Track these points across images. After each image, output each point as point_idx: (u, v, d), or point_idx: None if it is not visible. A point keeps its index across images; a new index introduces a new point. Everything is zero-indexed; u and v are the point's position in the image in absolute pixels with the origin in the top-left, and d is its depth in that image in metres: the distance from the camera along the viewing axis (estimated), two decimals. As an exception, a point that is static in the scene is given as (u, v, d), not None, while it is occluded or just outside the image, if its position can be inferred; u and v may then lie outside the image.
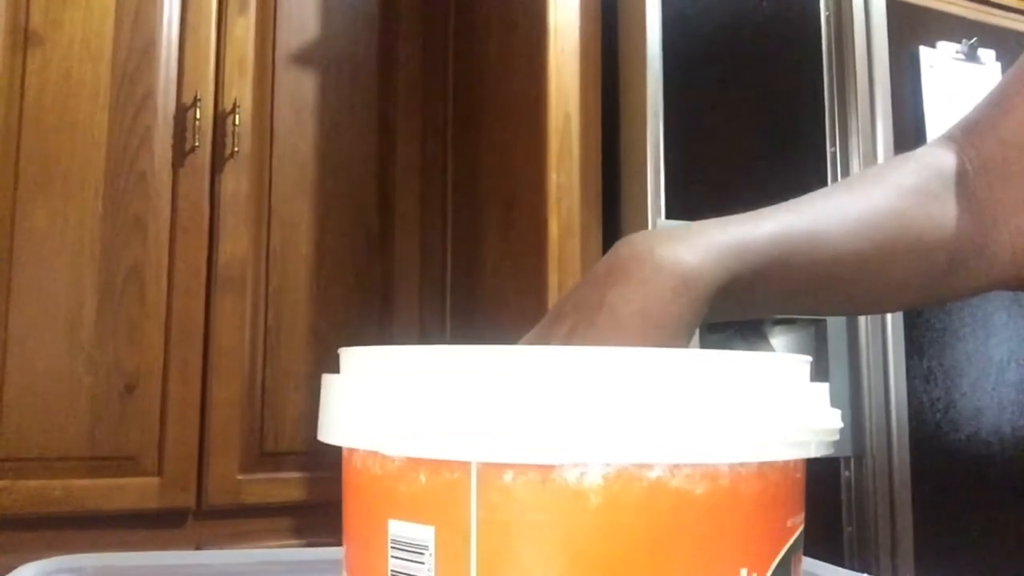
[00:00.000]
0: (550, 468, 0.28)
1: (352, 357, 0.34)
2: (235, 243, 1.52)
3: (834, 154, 1.57)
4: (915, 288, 0.55)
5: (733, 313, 0.51)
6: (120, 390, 1.43)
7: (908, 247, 0.53)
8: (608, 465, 0.28)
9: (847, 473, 1.49)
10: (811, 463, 0.34)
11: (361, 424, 0.31)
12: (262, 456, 1.52)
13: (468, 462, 0.28)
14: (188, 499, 1.45)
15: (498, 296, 1.56)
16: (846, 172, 1.57)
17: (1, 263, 1.39)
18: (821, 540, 1.47)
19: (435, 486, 0.29)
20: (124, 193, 1.47)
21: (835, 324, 1.50)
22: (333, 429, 0.32)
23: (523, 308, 1.48)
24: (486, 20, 1.64)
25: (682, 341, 0.44)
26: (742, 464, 0.29)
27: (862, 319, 1.52)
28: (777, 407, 0.30)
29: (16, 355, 1.38)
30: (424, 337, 1.66)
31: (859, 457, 1.49)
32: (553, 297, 1.40)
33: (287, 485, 1.50)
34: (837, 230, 0.51)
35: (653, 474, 0.28)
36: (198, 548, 1.45)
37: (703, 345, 1.39)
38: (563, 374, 0.28)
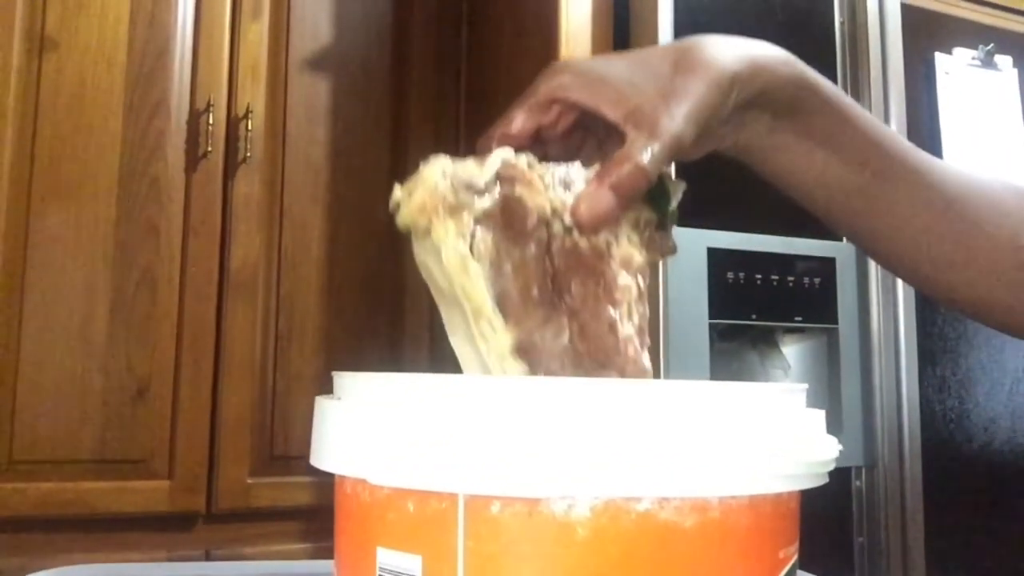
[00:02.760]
0: (537, 500, 0.28)
1: (345, 382, 0.34)
2: (247, 248, 1.53)
3: (847, 161, 1.56)
4: (922, 226, 0.53)
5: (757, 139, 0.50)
6: (132, 394, 1.44)
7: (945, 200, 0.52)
8: (596, 498, 0.28)
9: (858, 483, 1.48)
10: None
11: (350, 452, 0.30)
12: (272, 460, 1.52)
13: (455, 493, 0.28)
14: (198, 502, 1.46)
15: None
16: (859, 180, 1.55)
17: (15, 267, 1.40)
18: (832, 550, 1.46)
19: (423, 516, 0.29)
20: (137, 198, 1.47)
21: (848, 332, 1.49)
22: (323, 455, 0.32)
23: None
24: (498, 26, 1.64)
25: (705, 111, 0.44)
26: (732, 497, 0.29)
27: (875, 326, 1.51)
28: (768, 439, 0.29)
29: (29, 358, 1.39)
30: (434, 342, 1.66)
31: (870, 467, 1.48)
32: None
33: (297, 489, 1.50)
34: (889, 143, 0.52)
35: (641, 507, 0.28)
36: (208, 551, 1.45)
37: (714, 352, 1.39)
38: (551, 406, 0.28)
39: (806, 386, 0.35)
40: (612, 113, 0.43)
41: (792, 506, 0.32)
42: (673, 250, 0.46)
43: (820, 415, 0.34)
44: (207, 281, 1.50)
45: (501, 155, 0.41)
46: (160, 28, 1.51)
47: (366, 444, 0.30)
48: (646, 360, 0.43)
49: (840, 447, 0.31)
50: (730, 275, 1.40)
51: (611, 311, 0.42)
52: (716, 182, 1.46)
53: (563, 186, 0.42)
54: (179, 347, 1.47)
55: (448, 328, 0.43)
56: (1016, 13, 1.79)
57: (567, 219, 0.41)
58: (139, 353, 1.45)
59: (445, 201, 0.39)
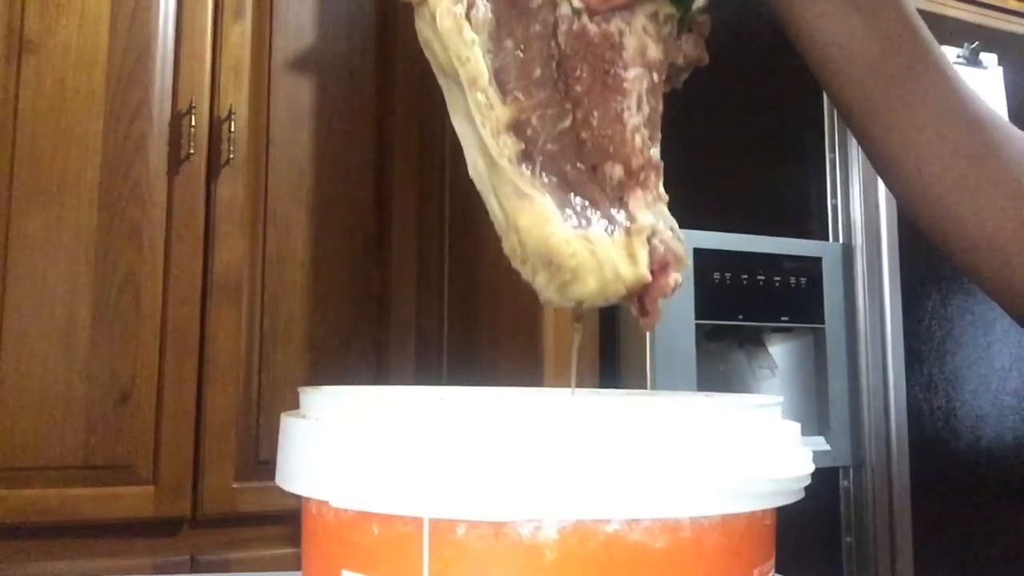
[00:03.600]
0: (503, 523, 0.27)
1: (310, 398, 0.33)
2: (231, 250, 1.52)
3: (833, 160, 1.56)
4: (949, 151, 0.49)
5: None
6: (115, 398, 1.43)
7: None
8: (563, 520, 0.27)
9: (846, 483, 1.48)
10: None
11: (313, 474, 0.30)
12: (258, 464, 1.51)
13: (419, 517, 0.27)
14: (183, 507, 1.45)
15: (496, 301, 1.55)
16: (845, 178, 1.56)
17: (-5, 271, 1.38)
18: (820, 550, 1.46)
19: (387, 538, 0.28)
20: (119, 201, 1.46)
21: (834, 332, 1.49)
22: (287, 476, 0.31)
23: (520, 313, 1.48)
24: (483, 26, 1.62)
25: None
26: (704, 516, 0.28)
27: (862, 325, 1.50)
28: (740, 456, 0.29)
29: (11, 364, 1.38)
30: (420, 344, 1.65)
31: (858, 466, 1.48)
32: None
33: (283, 494, 1.48)
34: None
35: (610, 528, 0.27)
36: (193, 557, 1.44)
37: (701, 353, 1.38)
38: (515, 426, 0.28)
39: (781, 399, 0.34)
40: None
41: (767, 523, 0.32)
42: (701, 59, 0.45)
43: (795, 428, 0.33)
44: (190, 284, 1.49)
45: None
46: (141, 30, 1.49)
47: (329, 466, 0.29)
48: (655, 152, 0.41)
49: (812, 467, 0.30)
50: (716, 275, 1.40)
51: (619, 100, 0.40)
52: (701, 182, 1.46)
53: None
54: (163, 351, 1.46)
55: (450, 108, 0.41)
56: (1001, 11, 1.79)
57: (576, 1, 0.40)
58: (122, 357, 1.44)
59: None
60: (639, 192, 0.40)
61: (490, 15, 0.39)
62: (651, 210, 0.40)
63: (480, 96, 0.38)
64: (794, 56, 0.51)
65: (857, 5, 0.48)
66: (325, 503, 0.30)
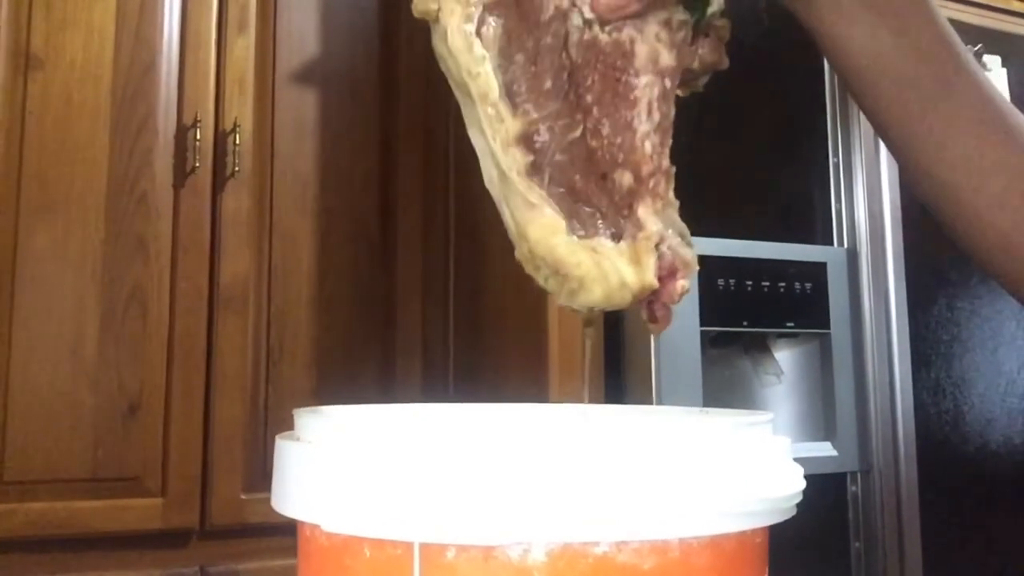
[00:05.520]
0: (492, 546, 0.27)
1: (304, 420, 0.34)
2: (237, 262, 1.52)
3: (836, 165, 1.56)
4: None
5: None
6: (123, 411, 1.44)
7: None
8: (552, 542, 0.27)
9: (854, 488, 1.47)
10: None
11: (306, 497, 0.30)
12: (266, 475, 1.51)
13: (410, 541, 0.28)
14: (192, 519, 1.45)
15: (501, 311, 1.56)
16: (849, 183, 1.55)
17: (3, 286, 1.39)
18: (829, 556, 1.46)
19: (378, 561, 0.28)
20: (125, 214, 1.47)
21: (840, 337, 1.49)
22: (281, 499, 0.32)
23: (526, 323, 1.48)
24: (485, 35, 1.63)
25: None
26: (694, 537, 0.29)
27: (867, 330, 1.50)
28: (729, 476, 0.29)
29: (19, 377, 1.39)
30: (426, 353, 1.65)
31: (866, 472, 1.47)
32: (555, 306, 1.40)
33: (291, 504, 1.49)
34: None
35: (599, 550, 0.27)
36: (202, 568, 1.45)
37: (706, 360, 1.38)
38: (504, 449, 0.28)
39: (771, 415, 0.34)
40: None
41: (758, 541, 0.32)
42: (719, 63, 0.45)
43: (785, 444, 0.33)
44: (197, 296, 1.49)
45: None
46: (146, 44, 1.50)
47: (320, 490, 0.29)
48: (666, 159, 0.41)
49: (803, 484, 0.30)
50: (721, 282, 1.40)
51: (629, 108, 0.41)
52: (707, 187, 1.46)
53: None
54: (170, 363, 1.47)
55: (466, 120, 0.42)
56: (1005, 13, 1.78)
57: (587, 12, 0.40)
58: (130, 370, 1.45)
59: None
60: (648, 199, 0.40)
61: (500, 31, 0.39)
62: (660, 216, 0.40)
63: (490, 110, 0.39)
64: (798, 62, 0.51)
65: (887, 18, 0.47)
66: (317, 526, 0.30)
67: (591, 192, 0.40)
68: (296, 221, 1.59)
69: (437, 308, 1.68)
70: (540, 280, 0.40)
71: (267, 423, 1.53)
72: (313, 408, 0.34)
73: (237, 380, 1.50)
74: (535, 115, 0.39)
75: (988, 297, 1.61)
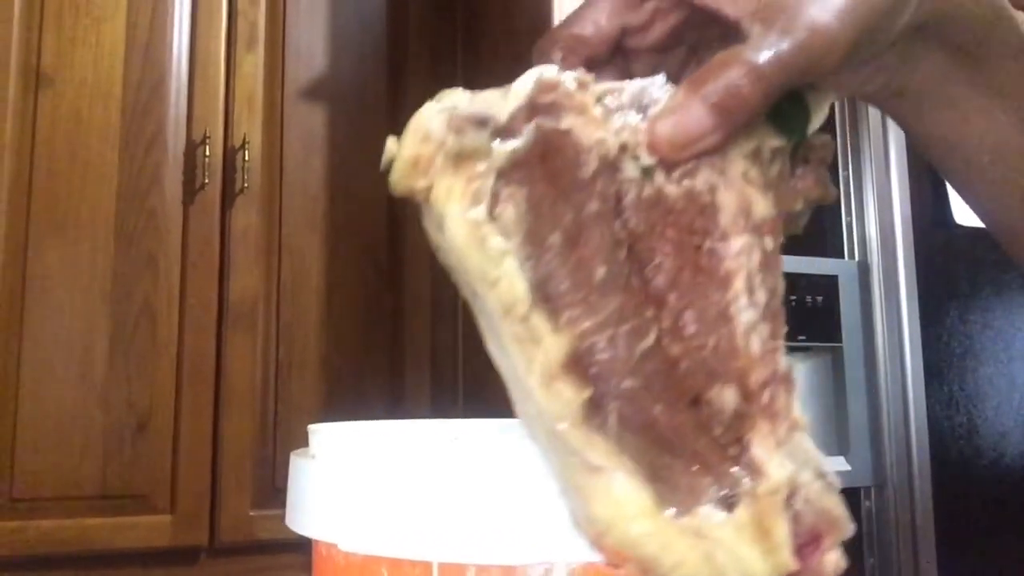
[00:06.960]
0: (513, 567, 0.27)
1: (319, 437, 0.33)
2: (246, 279, 1.52)
3: (847, 177, 1.56)
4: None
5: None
6: (132, 428, 1.43)
7: None
8: (574, 563, 0.27)
9: (868, 503, 1.46)
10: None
11: (322, 516, 0.30)
12: (275, 492, 1.51)
13: (429, 561, 0.27)
14: (201, 537, 1.45)
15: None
16: (860, 196, 1.55)
17: (13, 302, 1.39)
18: (843, 571, 1.44)
19: (397, 582, 0.28)
20: (135, 231, 1.47)
21: (852, 350, 1.48)
22: (297, 518, 0.31)
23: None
24: (493, 51, 1.63)
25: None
26: (718, 556, 0.28)
27: (880, 343, 1.49)
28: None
29: (29, 394, 1.39)
30: (435, 370, 1.65)
31: (879, 486, 1.46)
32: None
33: (300, 521, 1.48)
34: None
35: (622, 571, 0.27)
36: (211, 586, 1.44)
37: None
38: (525, 469, 0.27)
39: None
40: (734, 8, 0.30)
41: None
42: (824, 197, 0.33)
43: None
44: (206, 313, 1.49)
45: (535, 74, 0.29)
46: (155, 62, 1.51)
47: (337, 508, 0.29)
48: (782, 360, 0.29)
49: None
50: (731, 295, 1.39)
51: (721, 289, 0.28)
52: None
53: (636, 110, 0.29)
54: (179, 380, 1.47)
55: (482, 333, 0.30)
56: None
57: (645, 156, 0.28)
58: (139, 387, 1.44)
59: (446, 148, 0.28)
60: (765, 424, 0.28)
61: (525, 206, 0.27)
62: (784, 449, 0.28)
63: (519, 329, 0.27)
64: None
65: (1005, 96, 0.35)
66: (334, 545, 0.29)
67: (680, 429, 0.27)
68: (305, 237, 1.59)
69: (446, 322, 1.67)
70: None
71: (276, 439, 1.53)
72: (328, 424, 0.33)
73: (246, 396, 1.50)
74: (586, 323, 0.27)
75: (1001, 309, 1.60)
